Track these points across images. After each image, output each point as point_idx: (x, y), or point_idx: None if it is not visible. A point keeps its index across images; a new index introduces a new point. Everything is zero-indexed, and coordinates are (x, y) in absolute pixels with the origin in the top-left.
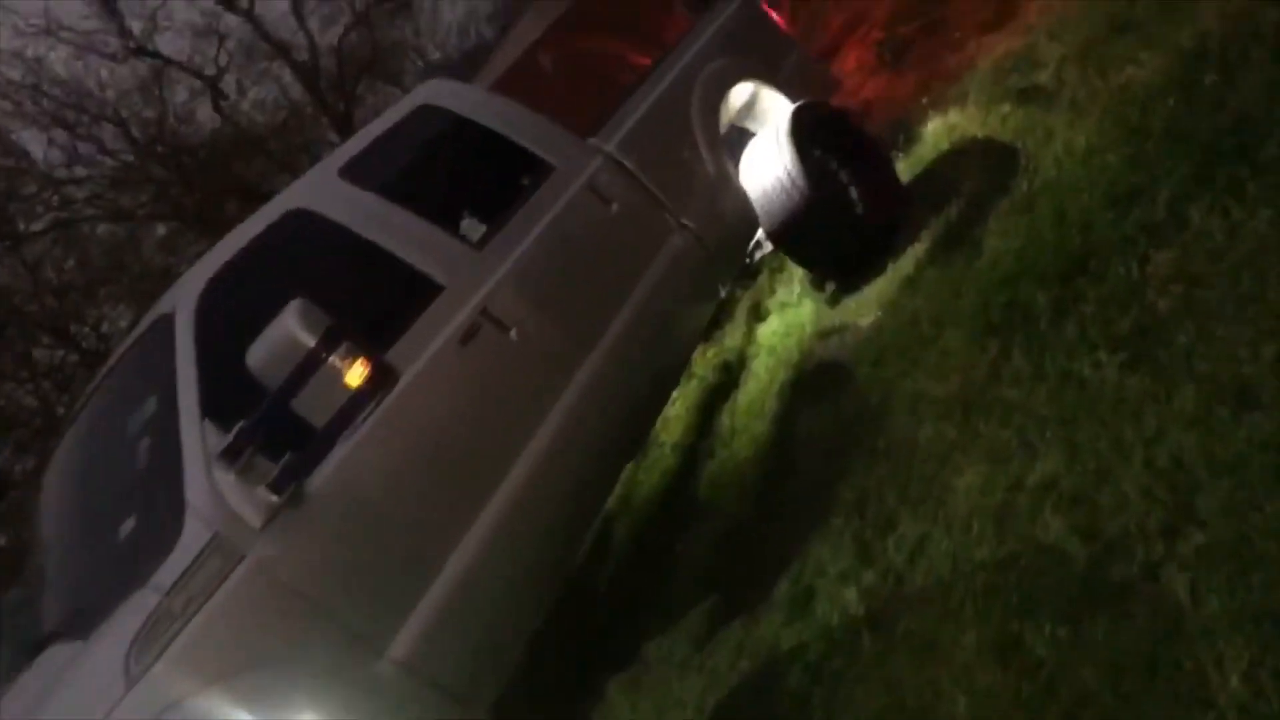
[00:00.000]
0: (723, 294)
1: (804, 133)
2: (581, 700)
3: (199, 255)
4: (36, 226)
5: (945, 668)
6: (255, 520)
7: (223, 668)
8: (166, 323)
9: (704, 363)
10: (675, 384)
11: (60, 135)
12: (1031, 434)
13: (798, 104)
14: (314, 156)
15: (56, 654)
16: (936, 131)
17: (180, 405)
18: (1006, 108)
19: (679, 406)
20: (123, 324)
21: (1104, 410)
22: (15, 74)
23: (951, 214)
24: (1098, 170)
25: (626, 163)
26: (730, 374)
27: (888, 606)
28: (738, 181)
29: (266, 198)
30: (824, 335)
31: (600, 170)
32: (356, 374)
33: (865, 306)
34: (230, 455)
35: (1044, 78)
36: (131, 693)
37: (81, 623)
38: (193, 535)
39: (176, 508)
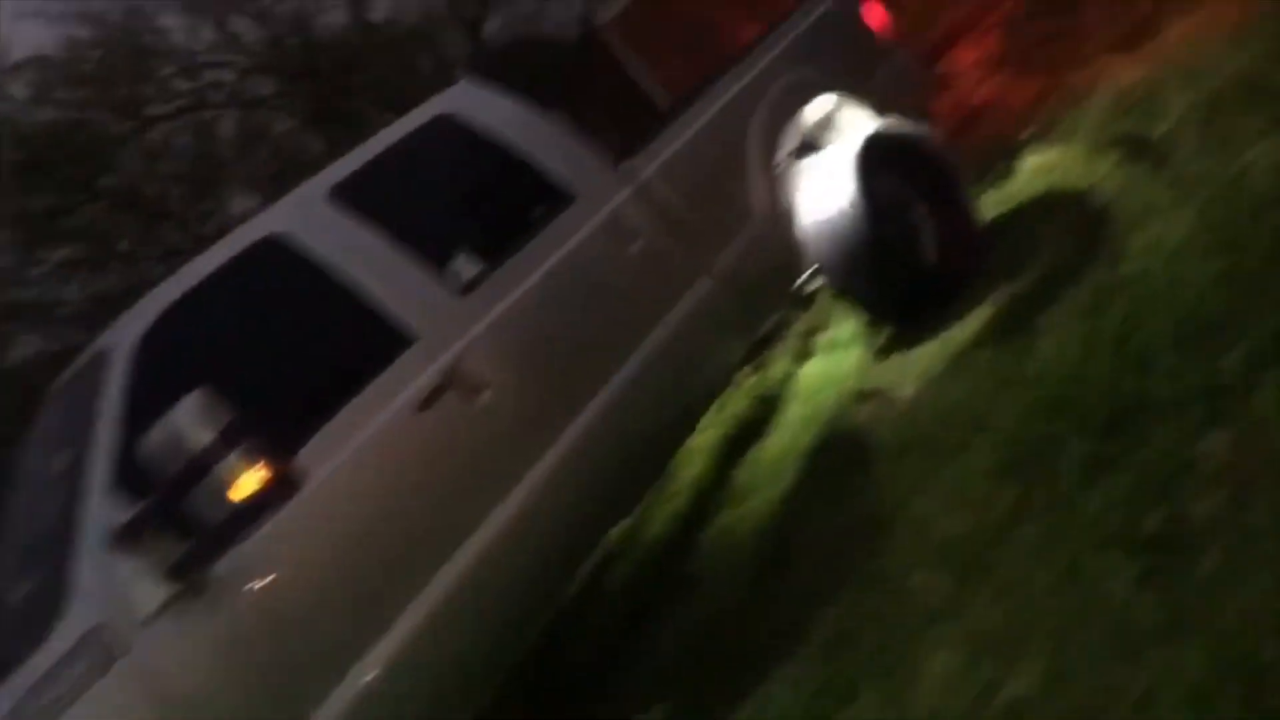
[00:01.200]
0: (762, 331)
1: (876, 162)
2: None
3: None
4: (165, 109)
5: None
6: (145, 610)
7: None
8: (101, 362)
9: (742, 392)
10: (692, 429)
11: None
12: (1020, 627)
13: (875, 129)
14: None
15: None
16: (1035, 167)
17: (90, 465)
18: (1113, 158)
19: (709, 434)
20: (238, 213)
21: (1101, 633)
22: None
23: (1021, 284)
24: (1181, 283)
25: (662, 193)
26: (766, 408)
27: None
28: (792, 212)
29: (394, 102)
30: (863, 397)
31: (628, 203)
32: (252, 481)
33: (909, 372)
34: (127, 534)
35: (1160, 131)
36: None
37: None
38: (73, 621)
39: (64, 586)
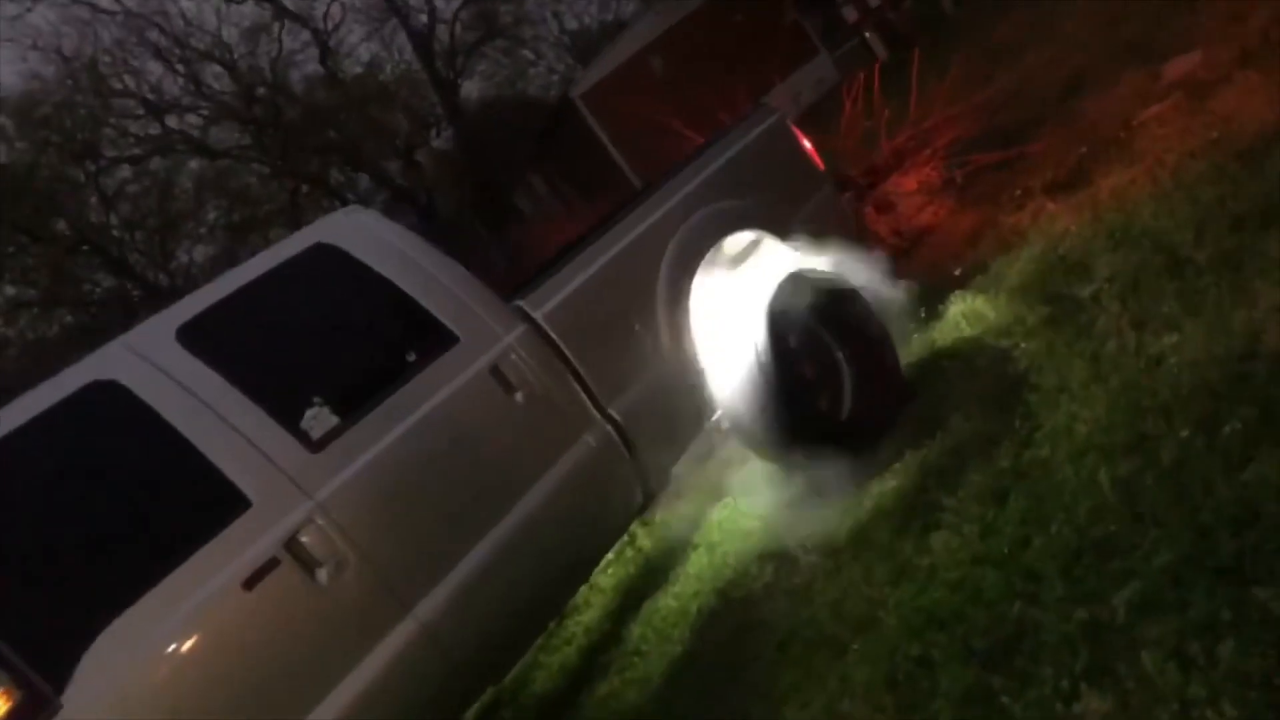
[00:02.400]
0: (656, 490)
1: (792, 305)
2: None
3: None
4: (129, 152)
5: None
6: None
7: None
8: None
9: (648, 531)
10: (583, 580)
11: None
12: None
13: (795, 271)
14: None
15: None
16: (961, 313)
17: None
18: (1036, 315)
19: (612, 573)
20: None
21: None
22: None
23: (930, 453)
24: (1083, 488)
25: (554, 336)
26: (669, 555)
27: None
28: (696, 358)
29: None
30: (765, 557)
31: (516, 346)
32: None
33: (811, 537)
34: None
35: (1085, 293)
36: None
37: None
38: None
39: None
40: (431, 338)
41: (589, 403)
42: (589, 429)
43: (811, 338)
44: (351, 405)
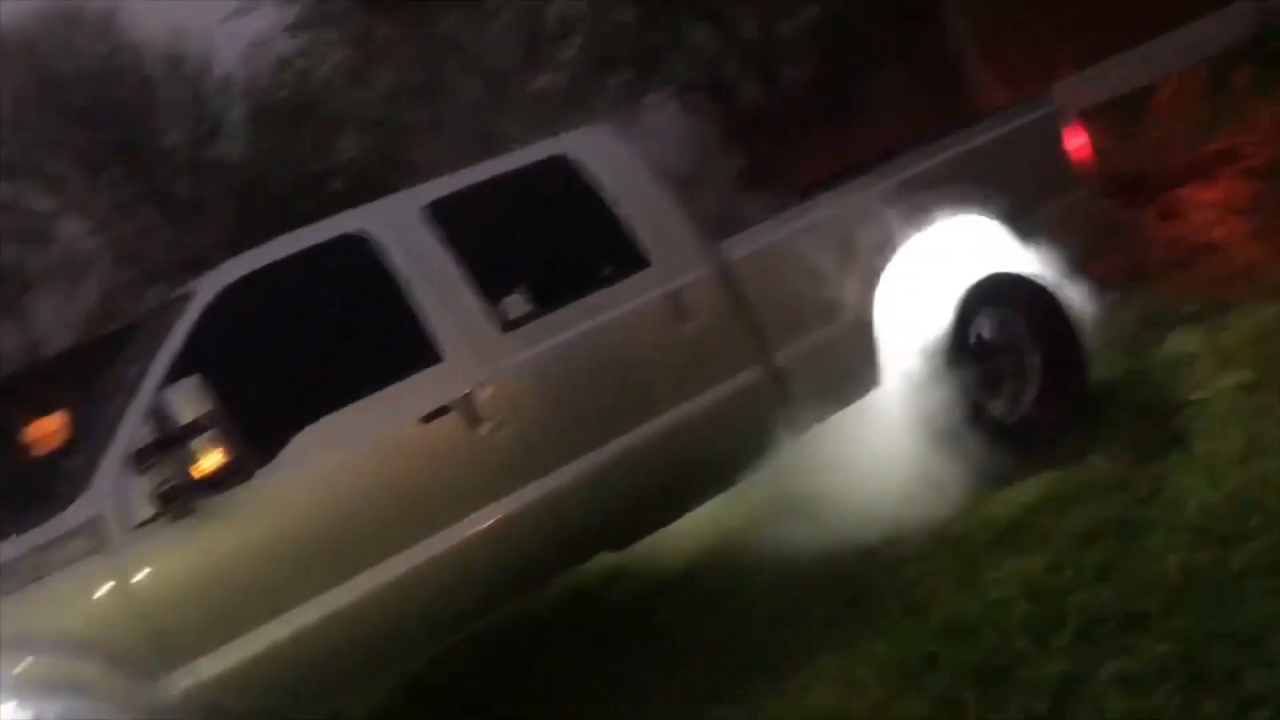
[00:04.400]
0: (799, 440)
1: (993, 300)
2: None
3: None
4: None
5: None
6: (133, 521)
7: (20, 638)
8: (183, 302)
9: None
10: (695, 501)
11: None
12: None
13: (1002, 268)
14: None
15: None
16: (1180, 344)
17: (139, 391)
18: (1238, 377)
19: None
20: None
21: None
22: None
23: (1060, 482)
24: (1155, 559)
25: (741, 280)
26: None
27: None
28: (874, 327)
29: None
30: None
31: (699, 281)
32: (209, 463)
33: (925, 516)
34: (138, 459)
35: None
36: None
37: None
38: (82, 508)
39: (83, 479)
40: (627, 257)
41: (755, 346)
42: (748, 369)
43: (1011, 337)
44: (544, 301)
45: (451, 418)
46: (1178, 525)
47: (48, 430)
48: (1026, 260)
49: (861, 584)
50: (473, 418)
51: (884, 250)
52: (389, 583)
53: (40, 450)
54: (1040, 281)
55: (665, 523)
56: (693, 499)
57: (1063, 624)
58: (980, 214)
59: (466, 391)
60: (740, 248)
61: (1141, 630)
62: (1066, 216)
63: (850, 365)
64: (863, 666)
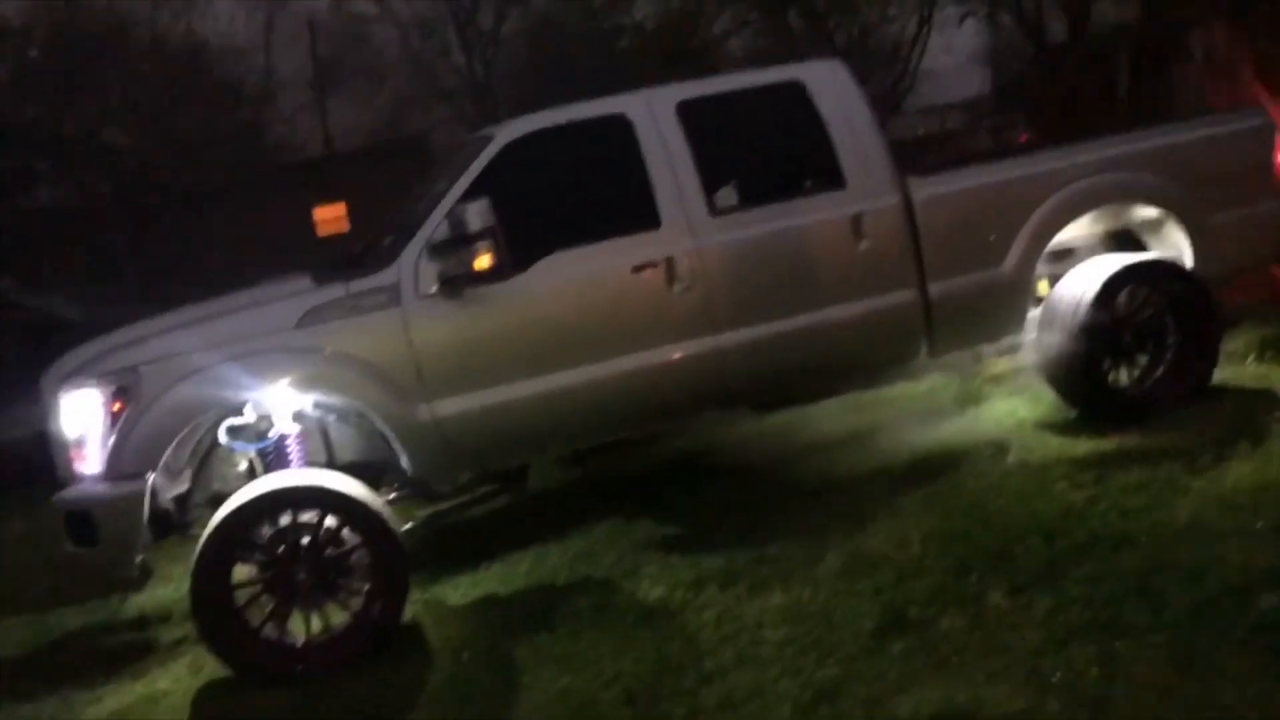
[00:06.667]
0: (925, 358)
1: (1145, 283)
2: None
3: None
4: None
5: None
6: (422, 291)
7: (336, 351)
8: (484, 142)
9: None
10: (810, 398)
11: None
12: None
13: (1154, 260)
14: None
15: (300, 283)
16: None
17: (444, 200)
18: None
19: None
20: None
21: None
22: None
23: (1135, 446)
24: (1155, 532)
25: (918, 216)
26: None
27: None
28: (1030, 282)
29: None
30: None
31: (884, 210)
32: (482, 262)
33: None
34: (435, 249)
35: None
36: (292, 333)
37: (324, 276)
38: (386, 274)
39: (395, 254)
40: (829, 177)
41: (915, 274)
42: (902, 291)
43: (1156, 314)
44: (750, 198)
45: (655, 272)
46: (1209, 494)
47: (331, 215)
48: (1185, 254)
49: (944, 481)
50: (670, 276)
51: (1060, 218)
52: (583, 381)
53: (325, 231)
54: (1192, 273)
55: (801, 401)
56: (830, 387)
57: (1074, 534)
58: (1160, 204)
59: (670, 255)
60: (927, 189)
61: (1128, 548)
62: (1245, 225)
63: (998, 310)
64: (915, 532)
